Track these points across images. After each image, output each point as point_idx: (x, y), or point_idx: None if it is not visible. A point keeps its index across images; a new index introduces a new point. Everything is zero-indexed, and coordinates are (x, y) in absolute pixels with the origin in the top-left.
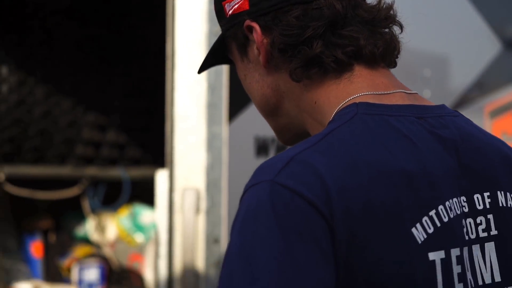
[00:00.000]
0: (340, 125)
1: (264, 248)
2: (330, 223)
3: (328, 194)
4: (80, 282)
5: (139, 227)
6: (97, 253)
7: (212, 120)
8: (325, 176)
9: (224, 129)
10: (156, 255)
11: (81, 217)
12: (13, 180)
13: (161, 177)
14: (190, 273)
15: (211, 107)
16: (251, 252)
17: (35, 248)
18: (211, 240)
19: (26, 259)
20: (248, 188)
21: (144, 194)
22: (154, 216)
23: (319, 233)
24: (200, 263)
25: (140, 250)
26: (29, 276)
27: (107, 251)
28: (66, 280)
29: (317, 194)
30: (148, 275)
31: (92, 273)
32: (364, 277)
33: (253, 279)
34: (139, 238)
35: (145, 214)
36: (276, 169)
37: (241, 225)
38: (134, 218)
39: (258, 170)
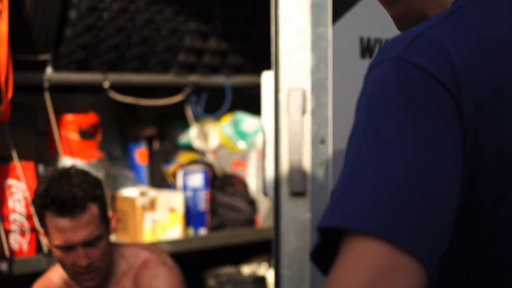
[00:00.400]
0: (466, 3)
1: (392, 124)
2: (457, 99)
3: (455, 70)
4: (184, 187)
5: (241, 134)
6: (200, 160)
7: (316, 20)
8: (452, 52)
9: (329, 29)
10: (263, 156)
11: (184, 125)
12: (118, 87)
13: (267, 78)
14: (296, 173)
15: (316, 7)
16: (378, 127)
17: (140, 155)
18: (317, 140)
19: (132, 166)
20: (373, 66)
21: (246, 101)
22: (256, 123)
23: (446, 109)
24: (306, 163)
25: (242, 157)
26: (135, 182)
27: (210, 158)
28: (171, 185)
29: (443, 71)
30: (251, 181)
31: (197, 179)
32: (492, 154)
33: (381, 154)
34: (241, 145)
35: (247, 122)
36: (402, 46)
37: (367, 103)
38: (236, 125)
39: (384, 47)
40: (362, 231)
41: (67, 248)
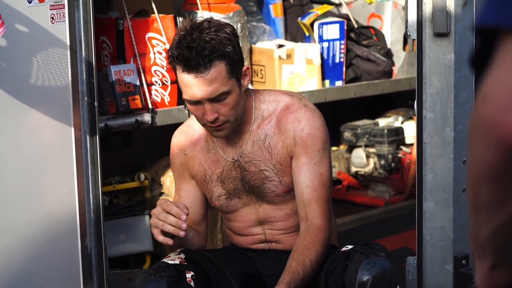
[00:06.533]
0: None
1: None
2: None
3: None
4: (320, 38)
5: None
6: (336, 12)
7: None
8: None
9: None
10: None
11: None
12: None
13: None
14: (440, 13)
15: None
16: None
17: (275, 8)
18: None
19: (267, 19)
20: None
21: None
22: None
23: None
24: (450, 3)
25: (378, 8)
26: (271, 35)
27: (345, 10)
28: (307, 38)
29: None
30: (387, 33)
31: (333, 30)
32: None
33: None
34: None
35: None
36: None
37: None
38: None
39: None
40: None
41: (194, 102)
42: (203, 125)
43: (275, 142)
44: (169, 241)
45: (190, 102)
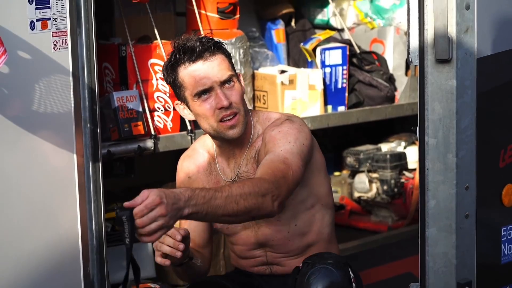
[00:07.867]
0: None
1: None
2: None
3: None
4: (323, 64)
5: (378, 10)
6: (338, 37)
7: None
8: None
9: None
10: (408, 24)
11: (320, 4)
12: None
13: None
14: (442, 39)
15: None
16: None
17: (277, 34)
18: (463, 5)
19: (270, 45)
20: None
21: None
22: None
23: None
24: (451, 29)
25: (380, 34)
26: (274, 61)
27: (347, 36)
28: (309, 62)
29: None
30: (389, 58)
31: (335, 55)
32: None
33: None
34: (378, 22)
35: None
36: None
37: None
38: (372, 1)
39: None
40: None
41: (206, 91)
42: (217, 124)
43: (259, 156)
44: (167, 262)
45: (202, 93)
